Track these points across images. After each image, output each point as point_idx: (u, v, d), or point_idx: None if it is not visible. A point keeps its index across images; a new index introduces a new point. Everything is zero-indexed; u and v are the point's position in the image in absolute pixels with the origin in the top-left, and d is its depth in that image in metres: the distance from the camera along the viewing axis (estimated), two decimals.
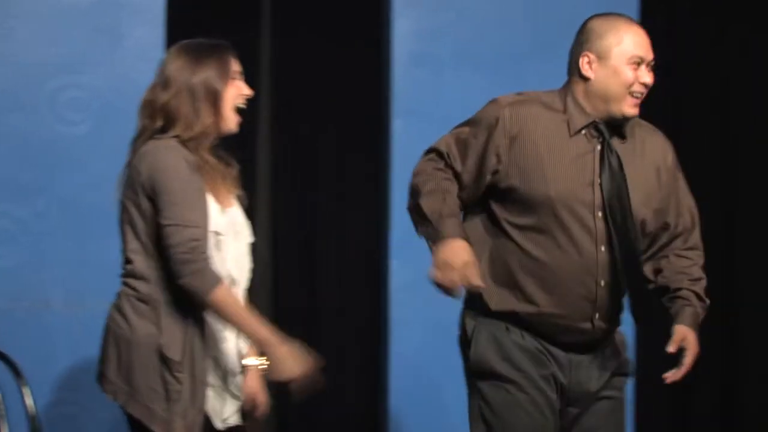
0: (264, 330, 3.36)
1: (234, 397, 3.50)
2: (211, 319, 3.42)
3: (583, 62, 3.41)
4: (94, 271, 4.66)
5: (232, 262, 3.43)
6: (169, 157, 3.38)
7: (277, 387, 3.66)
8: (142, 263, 3.40)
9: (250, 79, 4.72)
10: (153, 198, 3.36)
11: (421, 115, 5.07)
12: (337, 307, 5.26)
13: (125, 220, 3.43)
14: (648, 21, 5.07)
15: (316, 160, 5.33)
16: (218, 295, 3.29)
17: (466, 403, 4.77)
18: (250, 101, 4.72)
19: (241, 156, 4.56)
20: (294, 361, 3.35)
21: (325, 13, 5.25)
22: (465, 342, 3.53)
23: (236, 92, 3.52)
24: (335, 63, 5.25)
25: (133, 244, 3.42)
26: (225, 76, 3.50)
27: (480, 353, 3.42)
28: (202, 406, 3.38)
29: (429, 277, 3.42)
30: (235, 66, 3.56)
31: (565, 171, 3.38)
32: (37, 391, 4.22)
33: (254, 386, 3.59)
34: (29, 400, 4.16)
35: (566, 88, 3.48)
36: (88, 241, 4.73)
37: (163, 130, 3.43)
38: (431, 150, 3.46)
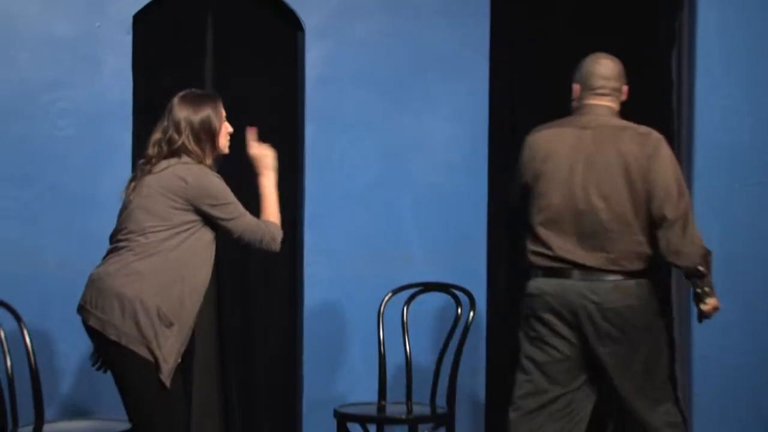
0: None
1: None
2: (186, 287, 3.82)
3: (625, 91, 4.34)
4: (79, 240, 5.05)
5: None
6: (210, 176, 3.88)
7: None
8: (151, 239, 3.81)
9: None
10: (198, 202, 3.82)
11: (327, 122, 5.57)
12: (264, 265, 5.58)
13: (143, 205, 3.84)
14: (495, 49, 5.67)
15: (247, 154, 5.22)
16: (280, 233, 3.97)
17: (363, 334, 5.27)
18: None
19: None
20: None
21: (253, 44, 5.60)
22: (664, 305, 4.43)
23: (225, 130, 4.02)
24: (262, 82, 5.62)
25: (148, 222, 3.83)
26: (219, 118, 3.98)
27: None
28: (178, 356, 3.84)
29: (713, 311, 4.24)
30: (223, 111, 4.01)
31: None
32: (34, 333, 4.54)
33: None
34: (28, 340, 4.46)
35: (612, 110, 4.29)
36: (73, 217, 5.09)
37: (177, 155, 3.88)
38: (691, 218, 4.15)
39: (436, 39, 5.68)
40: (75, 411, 4.96)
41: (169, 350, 3.83)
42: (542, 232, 4.22)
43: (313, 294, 5.59)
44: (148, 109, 4.92)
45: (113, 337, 3.78)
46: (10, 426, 4.27)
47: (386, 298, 4.98)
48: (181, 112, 3.93)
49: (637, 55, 5.46)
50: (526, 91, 5.60)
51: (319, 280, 5.60)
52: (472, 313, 4.83)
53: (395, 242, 5.67)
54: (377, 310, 4.97)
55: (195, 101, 3.96)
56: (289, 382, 5.71)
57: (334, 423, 4.81)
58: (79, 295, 4.73)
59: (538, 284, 4.24)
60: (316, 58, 5.57)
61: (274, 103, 5.66)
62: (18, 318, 4.49)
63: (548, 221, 4.22)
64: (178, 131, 3.90)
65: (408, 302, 5.01)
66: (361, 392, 5.30)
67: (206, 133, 3.93)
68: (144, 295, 3.78)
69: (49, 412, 4.53)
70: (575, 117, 4.34)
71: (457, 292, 5.00)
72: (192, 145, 3.91)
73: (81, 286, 4.62)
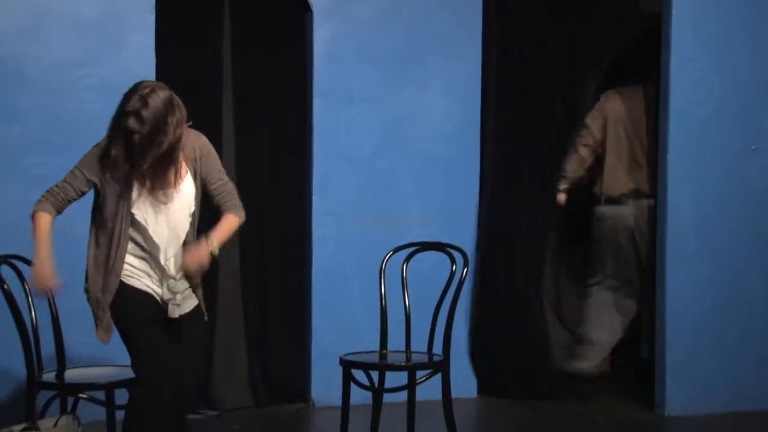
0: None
1: (171, 294, 4.00)
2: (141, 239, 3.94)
3: None
4: None
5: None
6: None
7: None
8: None
9: (217, 74, 5.41)
10: None
11: (333, 96, 5.77)
12: (277, 225, 5.82)
13: None
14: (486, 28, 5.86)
15: (262, 125, 5.84)
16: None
17: (366, 289, 5.45)
18: (219, 84, 5.36)
19: (212, 121, 5.37)
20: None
21: (266, 23, 5.79)
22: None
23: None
24: (273, 59, 5.80)
25: None
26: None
27: None
28: (106, 306, 3.98)
29: None
30: None
31: None
32: (62, 289, 4.28)
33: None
34: (51, 294, 4.41)
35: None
36: None
37: None
38: None
39: (433, 20, 5.91)
40: (93, 359, 4.93)
41: (99, 308, 4.07)
42: None
43: (320, 253, 5.84)
44: (169, 85, 4.72)
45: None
46: (36, 371, 4.35)
47: (387, 256, 5.01)
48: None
49: (617, 35, 5.74)
50: (515, 69, 5.75)
51: (326, 240, 5.82)
52: (465, 270, 4.82)
53: (396, 205, 5.92)
54: (379, 267, 4.98)
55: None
56: (300, 333, 5.94)
57: (340, 370, 4.82)
58: None
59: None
60: (323, 37, 5.78)
61: (284, 78, 5.84)
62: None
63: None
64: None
65: (407, 260, 5.04)
66: (365, 342, 5.34)
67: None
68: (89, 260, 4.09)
69: (69, 360, 4.57)
70: None
71: (452, 251, 4.97)
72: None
73: None
